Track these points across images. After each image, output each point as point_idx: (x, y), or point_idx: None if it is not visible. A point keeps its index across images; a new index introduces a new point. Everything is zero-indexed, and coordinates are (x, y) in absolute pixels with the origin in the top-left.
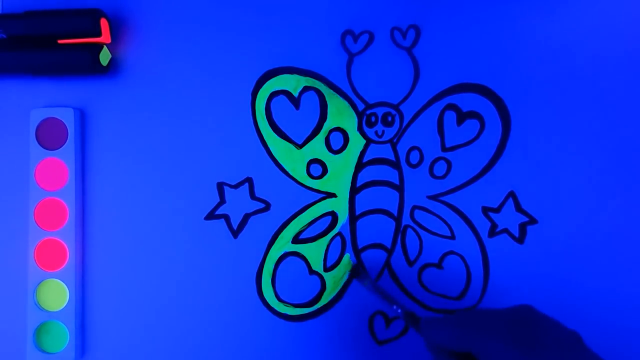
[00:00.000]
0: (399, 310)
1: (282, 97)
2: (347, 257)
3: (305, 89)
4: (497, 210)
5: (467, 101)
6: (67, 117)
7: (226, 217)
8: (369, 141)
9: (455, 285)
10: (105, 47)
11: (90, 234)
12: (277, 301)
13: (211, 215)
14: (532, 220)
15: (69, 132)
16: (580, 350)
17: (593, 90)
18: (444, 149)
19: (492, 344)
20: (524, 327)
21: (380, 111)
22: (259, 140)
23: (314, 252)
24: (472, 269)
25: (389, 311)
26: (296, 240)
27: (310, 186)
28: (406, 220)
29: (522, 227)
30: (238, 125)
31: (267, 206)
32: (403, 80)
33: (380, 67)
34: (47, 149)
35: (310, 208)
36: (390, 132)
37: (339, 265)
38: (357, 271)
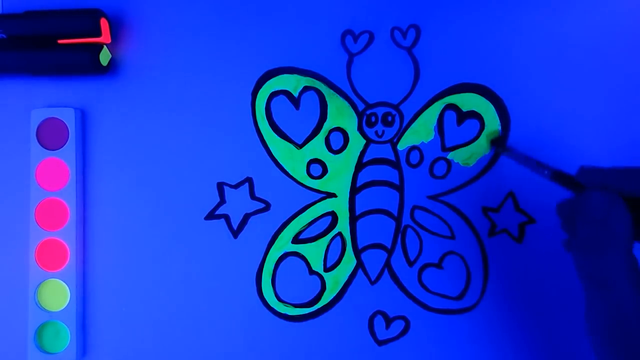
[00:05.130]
0: (546, 171)
1: (282, 97)
2: (496, 132)
3: (305, 89)
4: (497, 210)
5: (467, 101)
6: (68, 117)
7: (226, 217)
8: (369, 141)
9: (455, 285)
10: (105, 47)
11: (91, 234)
12: (277, 301)
13: (211, 215)
14: (531, 220)
15: (69, 132)
16: None
17: (592, 90)
18: (444, 148)
19: None
20: None
21: (380, 111)
22: (259, 140)
23: (314, 252)
24: (472, 268)
25: (540, 176)
26: (296, 240)
27: (310, 186)
28: (406, 220)
29: (521, 227)
30: (238, 125)
31: (267, 206)
32: (403, 80)
33: (380, 67)
34: (47, 149)
35: (310, 208)
36: (390, 132)
37: None
38: (500, 142)
